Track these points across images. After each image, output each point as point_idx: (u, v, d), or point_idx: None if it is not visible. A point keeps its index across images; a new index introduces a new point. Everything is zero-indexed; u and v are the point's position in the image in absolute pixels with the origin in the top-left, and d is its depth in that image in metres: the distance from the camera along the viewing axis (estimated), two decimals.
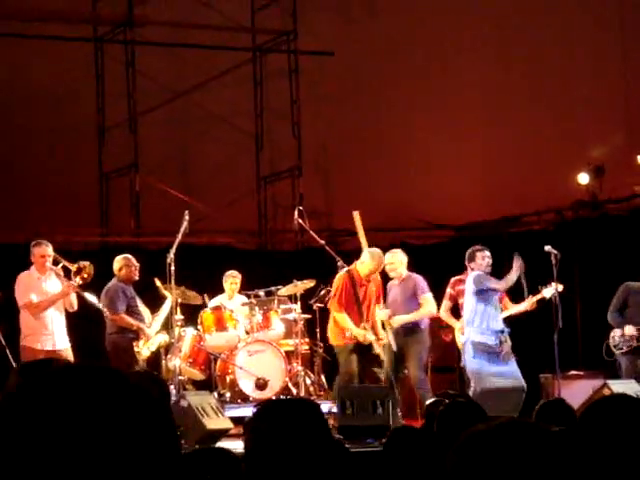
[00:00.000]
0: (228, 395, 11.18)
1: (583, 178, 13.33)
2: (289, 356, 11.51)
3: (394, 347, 10.20)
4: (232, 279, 11.90)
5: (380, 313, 10.28)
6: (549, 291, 10.31)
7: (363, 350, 10.24)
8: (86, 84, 15.04)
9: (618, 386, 9.42)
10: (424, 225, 14.91)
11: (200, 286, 11.58)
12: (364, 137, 15.54)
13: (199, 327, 11.42)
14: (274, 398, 10.44)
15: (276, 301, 11.86)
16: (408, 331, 10.28)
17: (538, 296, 10.28)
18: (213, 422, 8.92)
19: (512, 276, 10.01)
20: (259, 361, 11.14)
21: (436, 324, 11.11)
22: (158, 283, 10.80)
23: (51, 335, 10.07)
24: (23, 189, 14.49)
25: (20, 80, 14.53)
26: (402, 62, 15.24)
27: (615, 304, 10.62)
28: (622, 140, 13.17)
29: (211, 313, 11.47)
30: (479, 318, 10.07)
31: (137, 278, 10.68)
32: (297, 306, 11.79)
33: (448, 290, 10.62)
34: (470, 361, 10.08)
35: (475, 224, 14.46)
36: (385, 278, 10.63)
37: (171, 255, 10.37)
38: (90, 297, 10.40)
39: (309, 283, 11.90)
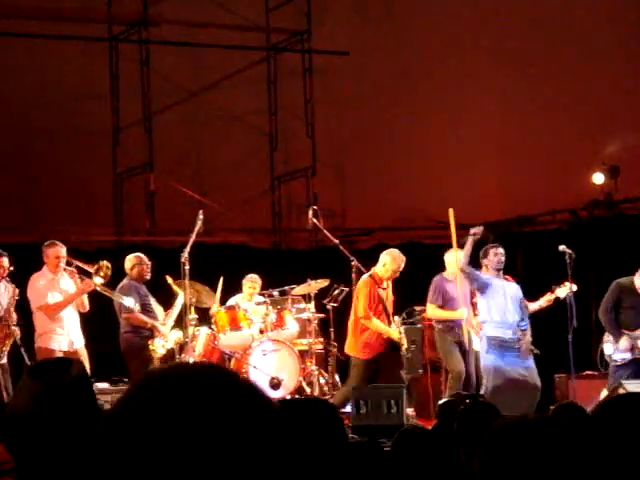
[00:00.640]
0: None
1: (598, 178, 13.29)
2: (303, 355, 11.52)
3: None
4: (251, 283, 11.91)
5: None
6: (563, 291, 10.27)
7: (380, 361, 10.22)
8: (101, 84, 15.07)
9: (634, 386, 9.38)
10: (438, 225, 14.89)
11: (214, 285, 11.59)
12: (378, 137, 15.53)
13: (213, 326, 11.43)
14: (289, 398, 10.45)
15: (290, 300, 11.86)
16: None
17: (552, 295, 10.24)
18: None
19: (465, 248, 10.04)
20: (273, 360, 11.15)
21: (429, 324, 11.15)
22: (170, 280, 10.81)
23: (67, 335, 10.08)
24: (38, 188, 14.55)
25: (35, 80, 14.57)
26: (417, 62, 15.22)
27: (607, 303, 10.24)
28: (637, 139, 13.13)
29: (225, 313, 11.48)
30: (491, 313, 10.04)
31: (149, 277, 10.69)
32: (311, 305, 11.80)
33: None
34: (484, 357, 10.03)
35: (490, 224, 14.43)
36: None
37: (185, 254, 10.39)
38: (118, 295, 10.43)
39: (323, 282, 11.90)
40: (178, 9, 15.39)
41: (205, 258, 12.03)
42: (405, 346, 10.31)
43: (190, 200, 14.35)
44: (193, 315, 10.96)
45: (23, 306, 10.11)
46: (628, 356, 10.17)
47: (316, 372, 11.54)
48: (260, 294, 11.94)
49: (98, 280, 10.17)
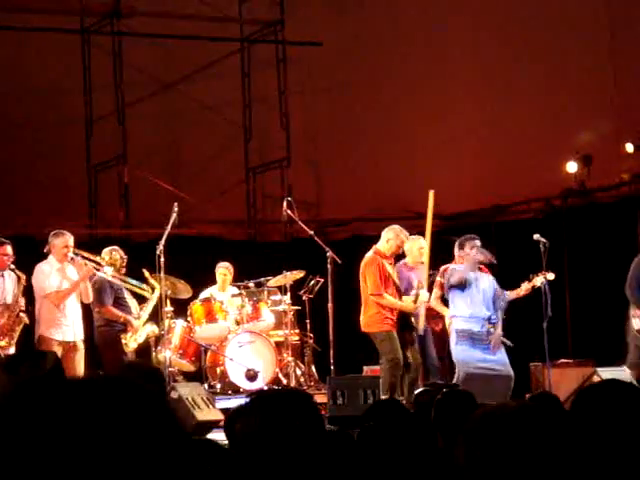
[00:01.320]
0: (218, 386, 11.19)
1: (571, 166, 13.34)
2: (279, 347, 11.53)
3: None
4: (224, 270, 11.90)
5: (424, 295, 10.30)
6: (540, 279, 10.31)
7: (400, 335, 10.24)
8: (73, 76, 14.99)
9: (608, 373, 9.44)
10: (413, 215, 14.91)
11: (189, 277, 11.57)
12: (352, 127, 15.53)
13: (189, 319, 11.41)
14: (266, 389, 10.46)
15: (266, 292, 11.86)
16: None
17: (530, 284, 10.27)
18: (204, 413, 8.92)
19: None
20: (249, 352, 11.15)
21: (427, 313, 11.11)
22: (147, 274, 10.79)
23: (71, 326, 10.06)
24: (11, 181, 14.46)
25: (6, 72, 14.48)
26: (390, 52, 15.23)
27: (631, 279, 10.13)
28: (610, 128, 13.18)
29: (201, 305, 11.47)
30: (461, 308, 10.08)
31: (124, 270, 10.68)
32: (287, 297, 11.80)
33: (437, 279, 10.61)
34: (454, 349, 10.09)
35: (464, 213, 14.48)
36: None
37: (160, 247, 10.37)
38: (132, 281, 10.51)
39: (298, 274, 11.91)
40: (151, 0, 15.32)
41: (180, 250, 12.01)
42: (421, 326, 10.28)
43: (164, 192, 14.31)
44: (169, 307, 10.94)
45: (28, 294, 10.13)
46: None
47: (292, 363, 11.56)
48: (236, 286, 11.93)
49: (108, 270, 10.23)
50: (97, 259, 10.35)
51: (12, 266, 9.96)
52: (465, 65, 14.62)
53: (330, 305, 10.86)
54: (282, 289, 11.94)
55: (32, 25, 14.44)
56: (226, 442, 3.25)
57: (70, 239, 10.15)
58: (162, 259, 10.35)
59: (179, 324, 11.30)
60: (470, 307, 10.03)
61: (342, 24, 15.57)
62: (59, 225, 12.43)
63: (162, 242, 10.38)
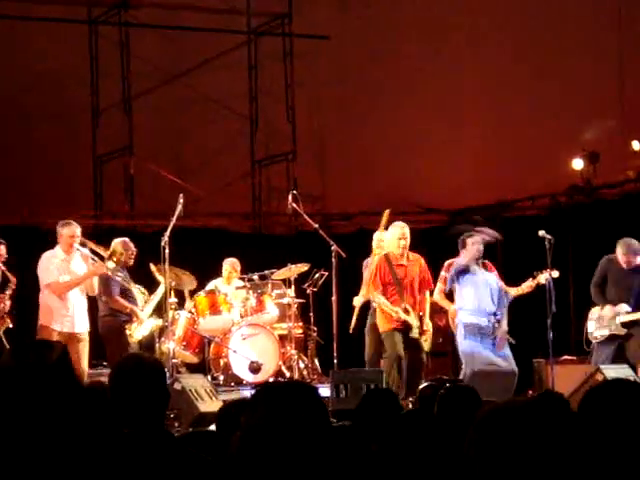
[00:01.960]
0: (222, 378, 11.20)
1: (577, 163, 13.34)
2: (283, 340, 11.54)
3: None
4: (231, 267, 11.90)
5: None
6: (544, 277, 10.30)
7: (405, 333, 10.21)
8: (80, 66, 14.99)
9: (611, 371, 9.43)
10: (418, 209, 14.92)
11: (194, 269, 11.58)
12: (359, 121, 15.52)
13: (193, 310, 11.42)
14: (271, 381, 10.48)
15: (270, 285, 11.87)
16: None
17: (534, 282, 10.27)
18: (207, 405, 8.94)
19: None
20: (253, 344, 11.16)
21: (431, 308, 11.11)
22: (153, 268, 10.79)
23: (71, 317, 10.05)
24: (16, 171, 14.46)
25: (14, 62, 14.48)
26: (398, 46, 15.20)
27: (595, 277, 10.47)
28: (616, 126, 13.17)
29: (205, 297, 11.48)
30: (468, 301, 10.08)
31: (132, 263, 10.69)
32: (291, 290, 11.81)
33: (442, 273, 10.61)
34: (461, 343, 10.10)
35: (469, 209, 14.47)
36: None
37: (165, 238, 10.37)
38: (133, 285, 10.52)
39: (303, 267, 11.91)
40: None
41: (185, 242, 12.01)
42: (416, 325, 10.25)
43: (170, 183, 14.32)
44: (173, 299, 10.95)
45: (21, 295, 10.12)
46: (606, 333, 10.27)
47: (296, 356, 11.57)
48: (240, 278, 11.94)
49: (110, 264, 10.22)
50: (102, 252, 10.32)
51: (3, 267, 9.92)
52: (471, 61, 14.59)
53: (334, 298, 10.88)
54: (286, 282, 11.94)
55: (40, 15, 14.44)
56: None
57: (77, 229, 10.14)
58: (167, 250, 10.35)
59: (183, 315, 11.32)
60: (476, 300, 10.03)
61: (349, 18, 15.55)
62: (64, 215, 12.47)
63: (167, 233, 10.38)
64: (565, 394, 5.60)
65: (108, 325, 10.52)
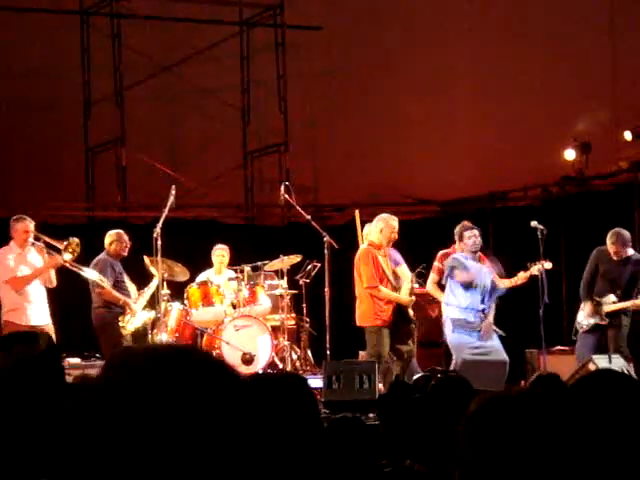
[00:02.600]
0: None
1: (569, 154, 13.35)
2: (275, 331, 11.53)
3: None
4: (220, 252, 11.88)
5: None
6: (537, 268, 10.30)
7: (393, 329, 10.15)
8: (72, 57, 14.95)
9: (603, 361, 9.45)
10: (410, 201, 14.92)
11: (187, 260, 11.56)
12: (351, 113, 15.51)
13: (185, 302, 11.41)
14: (261, 372, 10.47)
15: (262, 276, 11.86)
16: None
17: (527, 273, 10.26)
18: None
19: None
20: (245, 336, 11.15)
21: (423, 298, 11.10)
22: (147, 261, 10.78)
23: (34, 310, 10.05)
24: (8, 163, 14.43)
25: (5, 53, 14.43)
26: (390, 37, 15.19)
27: (585, 270, 10.48)
28: (608, 116, 13.18)
29: (197, 288, 11.46)
30: (457, 298, 10.06)
31: (125, 254, 10.68)
32: (283, 281, 11.80)
33: (435, 264, 10.60)
34: (450, 335, 10.10)
35: (461, 200, 14.48)
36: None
37: (158, 229, 10.35)
38: (88, 271, 10.40)
39: (295, 258, 11.90)
40: None
41: (177, 233, 12.00)
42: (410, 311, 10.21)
43: (162, 175, 14.30)
44: (165, 291, 10.94)
45: None
46: (592, 321, 10.29)
47: (288, 348, 11.56)
48: (232, 269, 11.92)
49: (67, 256, 10.14)
50: (57, 245, 10.24)
51: None
52: (464, 51, 14.59)
53: (327, 290, 10.87)
54: (279, 273, 11.93)
55: (31, 6, 14.39)
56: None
57: (31, 224, 10.09)
58: (159, 242, 10.34)
59: (175, 307, 11.30)
60: (468, 299, 10.02)
61: (341, 9, 15.53)
62: (56, 207, 12.46)
63: (159, 225, 10.37)
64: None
65: (101, 317, 10.51)
